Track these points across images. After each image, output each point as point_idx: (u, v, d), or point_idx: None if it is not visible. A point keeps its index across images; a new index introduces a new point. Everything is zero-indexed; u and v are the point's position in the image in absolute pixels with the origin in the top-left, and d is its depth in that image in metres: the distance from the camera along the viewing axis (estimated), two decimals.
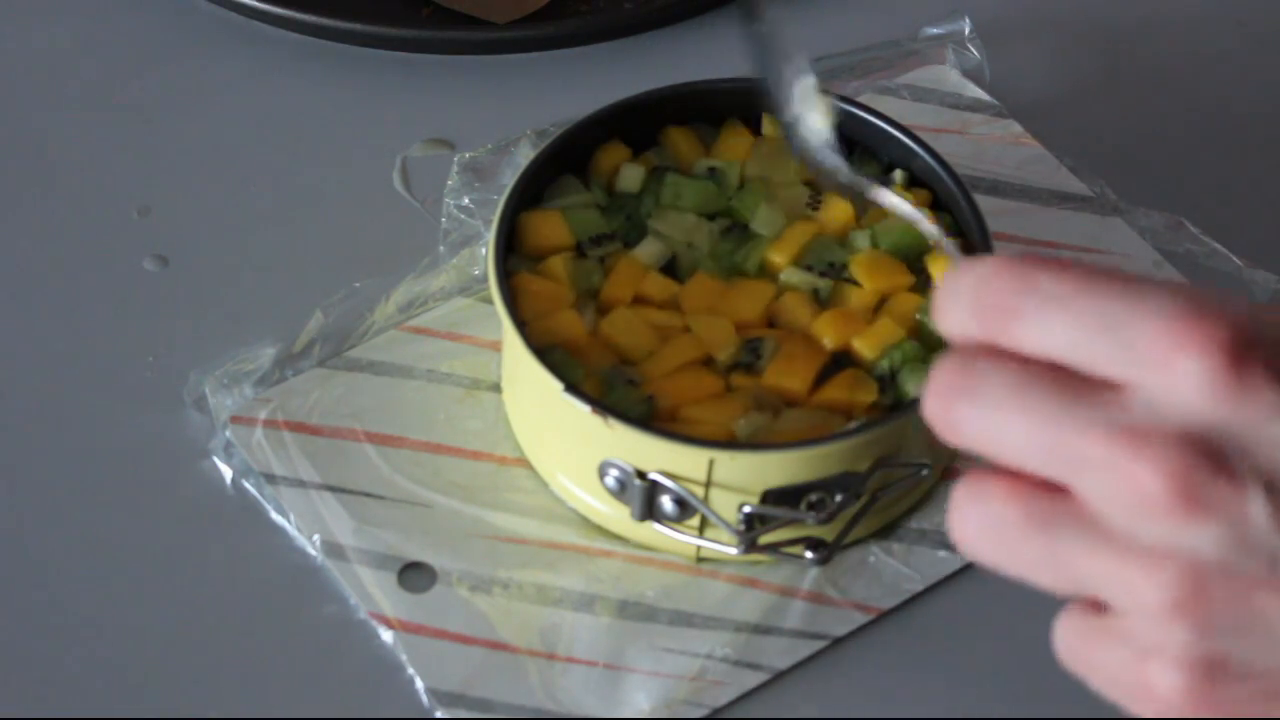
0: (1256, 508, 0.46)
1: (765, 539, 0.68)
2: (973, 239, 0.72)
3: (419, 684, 0.67)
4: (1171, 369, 0.46)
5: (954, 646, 0.69)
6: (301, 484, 0.71)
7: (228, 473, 0.72)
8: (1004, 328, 0.49)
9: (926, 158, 0.74)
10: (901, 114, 0.77)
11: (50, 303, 0.77)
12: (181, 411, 0.73)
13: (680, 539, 0.69)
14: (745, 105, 0.75)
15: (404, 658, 0.67)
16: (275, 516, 0.71)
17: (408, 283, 0.77)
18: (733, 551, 0.68)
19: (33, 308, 0.77)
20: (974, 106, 0.84)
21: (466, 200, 0.79)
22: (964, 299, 0.50)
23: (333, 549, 0.70)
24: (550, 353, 0.68)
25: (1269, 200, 0.83)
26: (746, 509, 0.67)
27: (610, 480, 0.68)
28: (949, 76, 0.85)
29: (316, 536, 0.70)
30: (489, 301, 0.73)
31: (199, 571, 0.70)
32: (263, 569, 0.70)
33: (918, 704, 0.68)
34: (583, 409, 0.66)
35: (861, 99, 0.79)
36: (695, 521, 0.68)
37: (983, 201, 0.73)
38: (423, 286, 0.77)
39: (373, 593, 0.69)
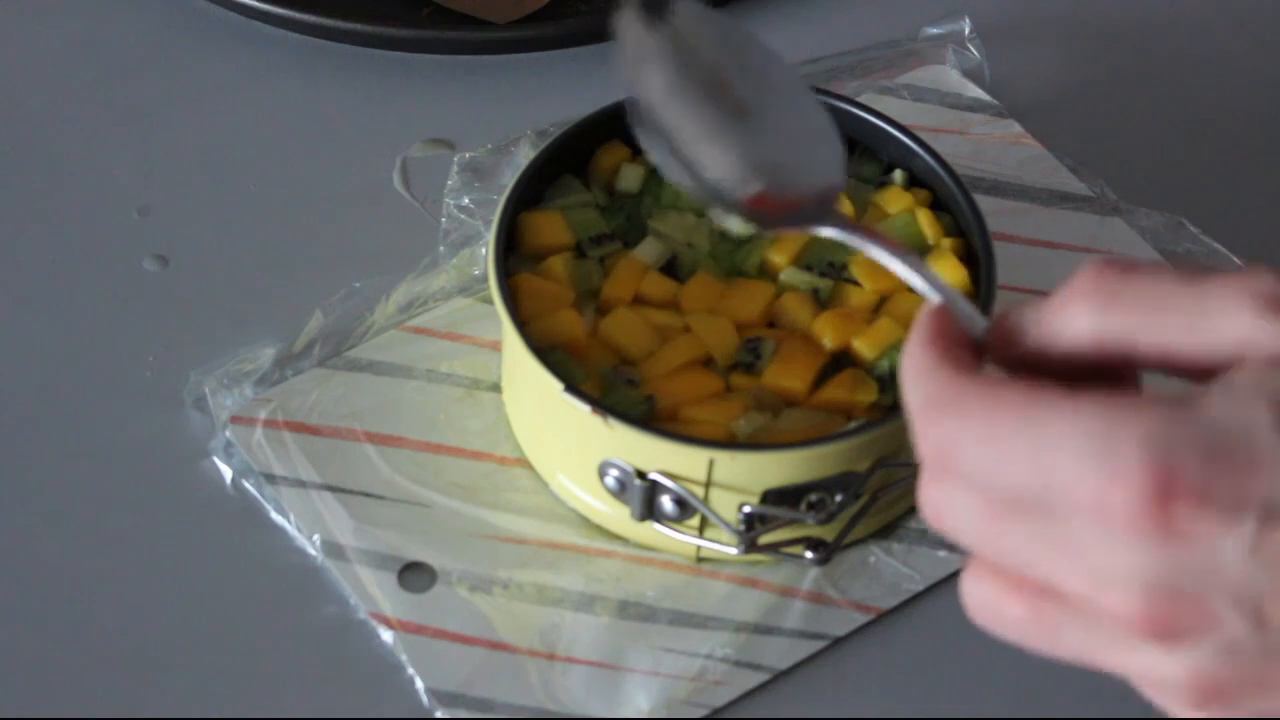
0: (1234, 624, 0.47)
1: (765, 539, 0.68)
2: (973, 239, 0.72)
3: (419, 684, 0.67)
4: (1105, 520, 0.47)
5: (954, 646, 0.69)
6: (301, 484, 0.71)
7: (228, 473, 0.72)
8: (950, 470, 0.50)
9: (926, 158, 0.74)
10: (901, 114, 0.77)
11: (50, 303, 0.77)
12: (181, 411, 0.73)
13: (680, 539, 0.69)
14: None
15: (404, 658, 0.67)
16: (275, 516, 0.71)
17: (408, 283, 0.77)
18: (733, 551, 0.68)
19: (33, 308, 0.77)
20: (974, 106, 0.84)
21: (466, 200, 0.79)
22: (915, 430, 0.51)
23: (333, 549, 0.70)
24: (550, 353, 0.68)
25: (1269, 200, 0.83)
26: (746, 509, 0.67)
27: (610, 480, 0.68)
28: (949, 76, 0.85)
29: (316, 536, 0.70)
30: (489, 301, 0.73)
31: (199, 571, 0.70)
32: (263, 569, 0.70)
33: (918, 704, 0.68)
34: (583, 409, 0.66)
35: (861, 99, 0.79)
36: (695, 521, 0.68)
37: (983, 201, 0.73)
38: (423, 286, 0.77)
39: (373, 593, 0.69)
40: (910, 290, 0.71)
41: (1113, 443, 0.47)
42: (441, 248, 0.78)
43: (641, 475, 0.67)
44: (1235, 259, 0.78)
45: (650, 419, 0.68)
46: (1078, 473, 0.47)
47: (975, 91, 0.84)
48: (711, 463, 0.66)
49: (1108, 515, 0.47)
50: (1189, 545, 0.46)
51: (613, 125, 0.75)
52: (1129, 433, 0.47)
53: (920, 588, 0.70)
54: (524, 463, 0.72)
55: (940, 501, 0.50)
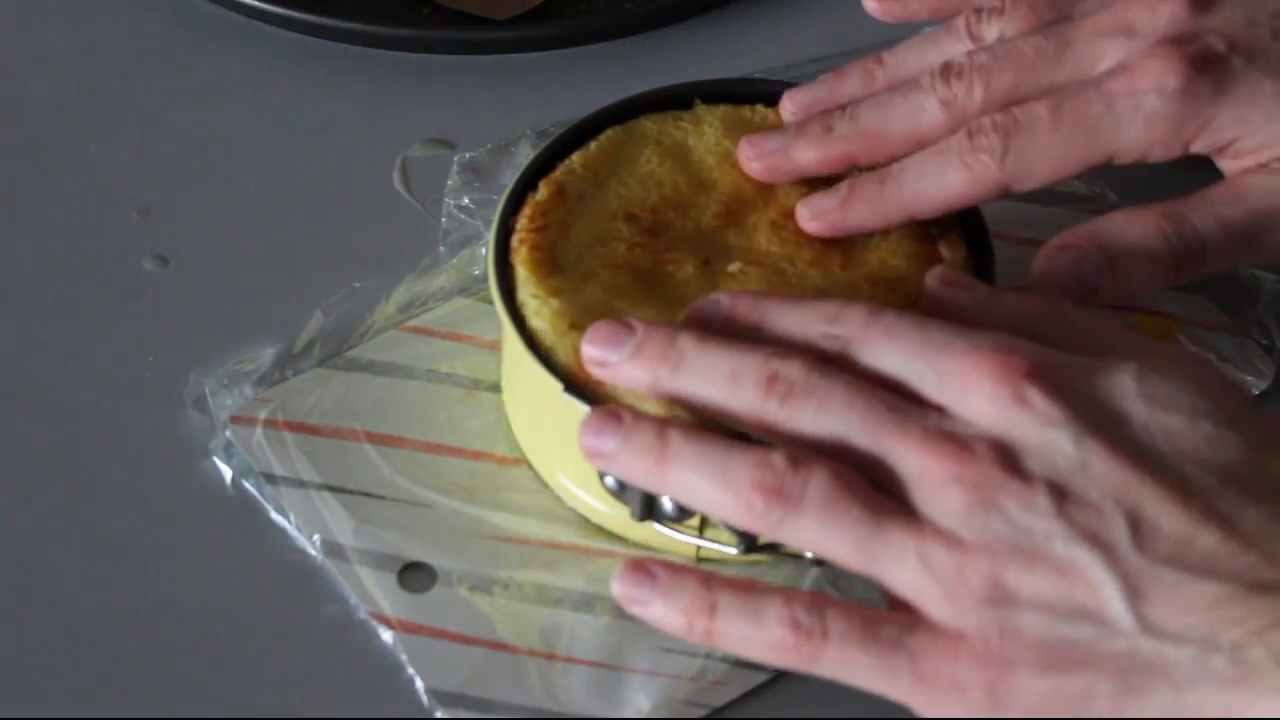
0: (1041, 499, 0.55)
1: (765, 539, 0.68)
2: (973, 239, 0.72)
3: (419, 684, 0.67)
4: (974, 389, 0.57)
5: None
6: (301, 484, 0.71)
7: (228, 473, 0.72)
8: (842, 356, 0.60)
9: None
10: None
11: (50, 303, 0.77)
12: (181, 411, 0.73)
13: (680, 539, 0.69)
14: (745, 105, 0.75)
15: (404, 658, 0.67)
16: (275, 516, 0.71)
17: (408, 283, 0.77)
18: (733, 551, 0.68)
19: (33, 308, 0.77)
20: None
21: (466, 200, 0.79)
22: (814, 317, 0.61)
23: (333, 549, 0.70)
24: (550, 353, 0.68)
25: None
26: None
27: (610, 480, 0.68)
28: None
29: (316, 536, 0.70)
30: (489, 301, 0.73)
31: (199, 571, 0.70)
32: (263, 569, 0.70)
33: None
34: (582, 409, 0.66)
35: None
36: (695, 521, 0.68)
37: None
38: (423, 286, 0.77)
39: (373, 593, 0.69)
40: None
41: (1000, 343, 0.59)
42: (441, 248, 0.78)
43: None
44: None
45: None
46: (968, 353, 0.58)
47: None
48: None
49: (980, 382, 0.57)
50: (1027, 419, 0.56)
51: (612, 125, 0.74)
52: (1014, 343, 0.59)
53: None
54: (524, 463, 0.72)
55: (807, 378, 0.60)
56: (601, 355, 0.63)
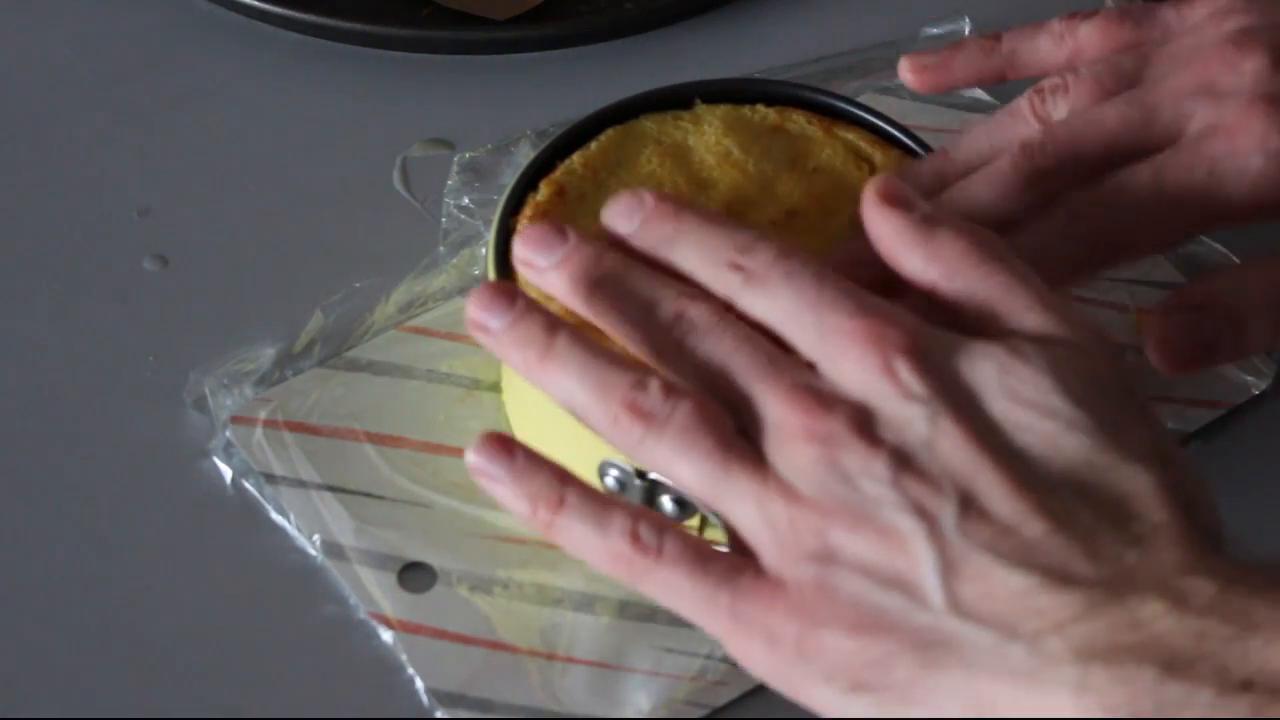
0: (880, 465, 0.56)
1: None
2: None
3: (419, 684, 0.67)
4: (847, 352, 0.58)
5: None
6: (301, 484, 0.71)
7: (228, 473, 0.72)
8: (741, 288, 0.61)
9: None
10: (901, 114, 0.77)
11: (50, 303, 0.77)
12: (181, 411, 0.74)
13: None
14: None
15: (404, 658, 0.67)
16: (275, 516, 0.71)
17: (408, 283, 0.77)
18: None
19: (33, 307, 0.77)
20: (974, 106, 0.84)
21: (466, 200, 0.79)
22: (728, 243, 0.61)
23: (333, 549, 0.70)
24: None
25: None
26: None
27: (610, 480, 0.68)
28: None
29: (316, 536, 0.70)
30: None
31: (199, 571, 0.70)
32: (263, 569, 0.70)
33: None
34: None
35: (861, 99, 0.79)
36: (695, 521, 0.68)
37: None
38: (423, 286, 0.77)
39: (373, 593, 0.69)
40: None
41: (885, 313, 0.59)
42: (441, 248, 0.78)
43: (641, 475, 0.67)
44: (1235, 259, 0.78)
45: None
46: (851, 316, 0.59)
47: (975, 92, 0.84)
48: None
49: (855, 349, 0.58)
50: (891, 389, 0.57)
51: (613, 125, 0.74)
52: (899, 315, 0.59)
53: None
54: None
55: (701, 313, 0.61)
56: (529, 256, 0.63)
